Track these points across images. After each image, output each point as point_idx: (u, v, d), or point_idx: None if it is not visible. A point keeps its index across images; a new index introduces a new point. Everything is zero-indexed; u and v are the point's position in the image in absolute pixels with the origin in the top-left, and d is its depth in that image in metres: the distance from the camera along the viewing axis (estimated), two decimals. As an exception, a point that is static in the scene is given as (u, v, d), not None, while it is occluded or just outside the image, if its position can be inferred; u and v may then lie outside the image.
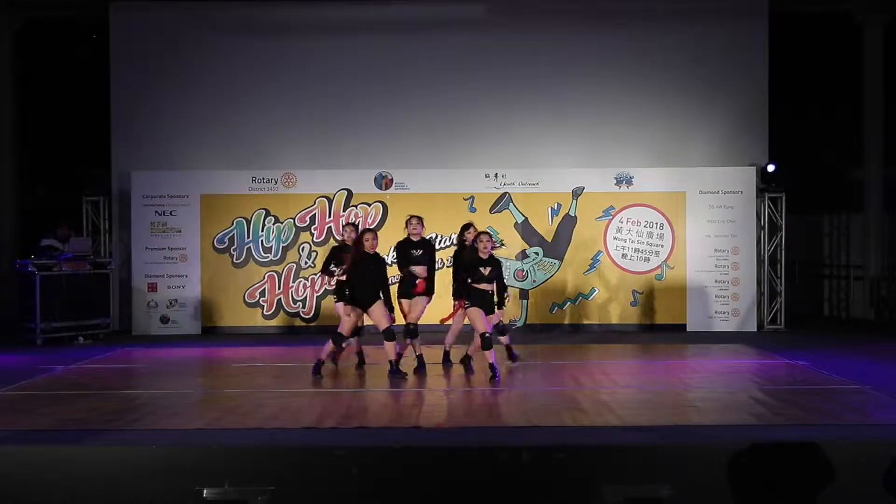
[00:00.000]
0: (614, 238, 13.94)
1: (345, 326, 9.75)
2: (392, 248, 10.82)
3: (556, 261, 13.92)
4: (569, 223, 13.97)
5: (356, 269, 9.56)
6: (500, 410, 8.21)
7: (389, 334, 9.56)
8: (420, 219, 10.16)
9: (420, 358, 9.99)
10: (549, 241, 13.95)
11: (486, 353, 9.53)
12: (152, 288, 13.85)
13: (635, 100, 14.37)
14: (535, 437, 6.96)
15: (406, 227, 10.19)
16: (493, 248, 9.74)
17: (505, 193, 13.94)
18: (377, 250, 9.71)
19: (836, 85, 15.39)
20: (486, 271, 9.60)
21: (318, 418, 7.70)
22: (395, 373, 9.66)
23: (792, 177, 14.18)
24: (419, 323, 10.03)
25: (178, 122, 14.43)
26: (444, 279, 11.16)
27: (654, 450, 6.63)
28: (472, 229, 10.26)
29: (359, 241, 9.66)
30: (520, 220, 13.87)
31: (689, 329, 13.76)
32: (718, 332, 13.53)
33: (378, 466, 6.49)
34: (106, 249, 14.34)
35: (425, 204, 13.54)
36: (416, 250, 10.05)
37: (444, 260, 13.01)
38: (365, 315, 9.85)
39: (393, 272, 10.49)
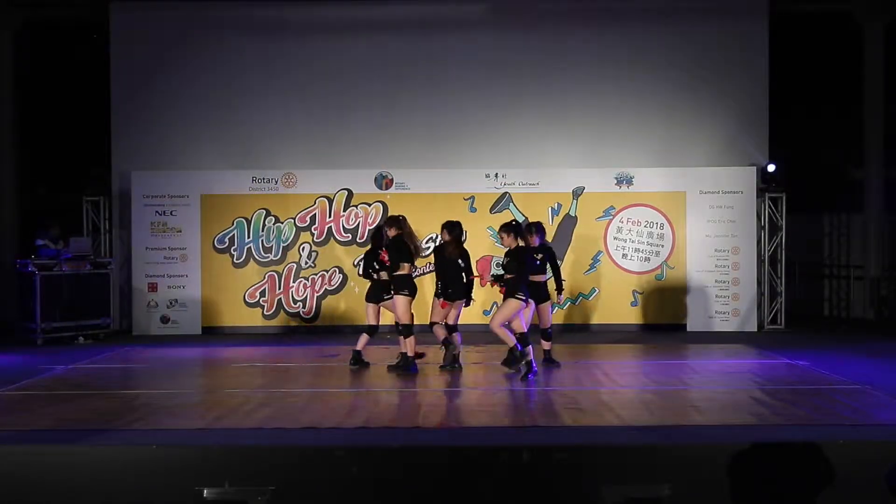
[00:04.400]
0: (614, 238, 13.94)
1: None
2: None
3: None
4: (569, 223, 13.97)
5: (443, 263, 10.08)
6: (500, 410, 8.20)
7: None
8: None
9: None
10: (550, 241, 13.92)
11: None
12: (152, 288, 13.85)
13: (635, 100, 14.37)
14: (535, 437, 6.97)
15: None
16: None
17: (505, 193, 13.94)
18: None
19: (836, 85, 15.39)
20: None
21: (318, 418, 7.70)
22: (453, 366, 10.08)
23: (792, 177, 14.18)
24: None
25: (178, 122, 14.42)
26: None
27: (654, 450, 6.63)
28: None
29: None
30: (520, 220, 13.85)
31: (689, 329, 13.75)
32: (718, 332, 13.52)
33: (378, 466, 6.49)
34: (106, 249, 14.33)
35: (425, 204, 13.56)
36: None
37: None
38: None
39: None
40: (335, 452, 6.50)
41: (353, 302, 13.79)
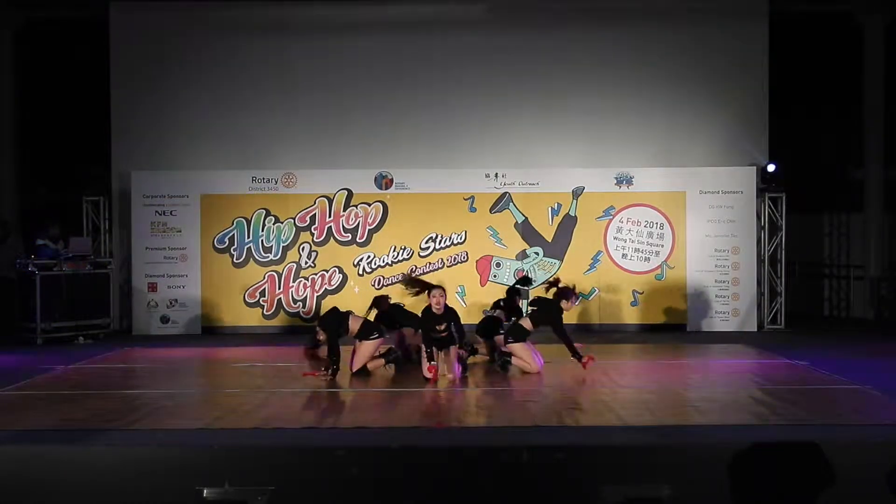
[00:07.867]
0: (614, 238, 13.93)
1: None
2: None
3: (556, 261, 13.91)
4: (569, 223, 13.96)
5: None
6: (500, 410, 8.20)
7: None
8: (443, 290, 9.81)
9: None
10: (549, 241, 13.95)
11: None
12: (152, 288, 13.84)
13: (635, 100, 14.36)
14: (535, 437, 6.96)
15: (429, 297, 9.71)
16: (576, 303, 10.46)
17: (505, 193, 13.93)
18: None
19: (836, 85, 15.38)
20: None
21: (318, 418, 7.71)
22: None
23: (792, 177, 14.18)
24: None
25: (178, 122, 14.42)
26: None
27: (654, 450, 6.63)
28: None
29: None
30: (520, 220, 13.86)
31: (689, 329, 13.75)
32: (718, 332, 13.52)
33: (378, 466, 6.49)
34: (106, 249, 14.33)
35: (425, 204, 13.57)
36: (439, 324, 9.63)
37: (445, 260, 13.07)
38: None
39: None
40: (335, 452, 6.49)
41: (353, 302, 13.78)
